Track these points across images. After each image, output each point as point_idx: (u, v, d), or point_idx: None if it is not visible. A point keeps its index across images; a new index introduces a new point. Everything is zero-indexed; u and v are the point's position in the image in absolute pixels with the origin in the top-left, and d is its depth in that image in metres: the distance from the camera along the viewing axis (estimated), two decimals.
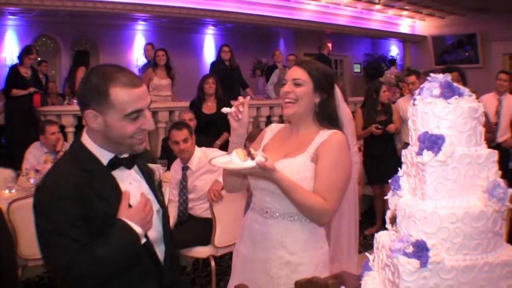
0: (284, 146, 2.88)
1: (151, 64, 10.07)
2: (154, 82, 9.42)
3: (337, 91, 2.93)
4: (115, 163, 2.27)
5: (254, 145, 3.06)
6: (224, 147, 6.68)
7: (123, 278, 2.22)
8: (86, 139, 2.27)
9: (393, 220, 1.87)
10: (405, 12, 18.01)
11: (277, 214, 2.79)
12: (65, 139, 7.69)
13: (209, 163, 2.59)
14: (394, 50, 20.37)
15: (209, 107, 7.81)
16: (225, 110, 2.70)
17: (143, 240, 2.23)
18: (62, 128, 8.04)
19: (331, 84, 2.88)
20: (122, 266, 2.18)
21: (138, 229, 2.18)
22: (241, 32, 15.89)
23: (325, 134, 2.79)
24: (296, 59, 11.26)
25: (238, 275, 2.95)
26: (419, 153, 1.76)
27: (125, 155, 2.31)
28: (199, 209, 5.39)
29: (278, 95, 10.84)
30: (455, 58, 18.63)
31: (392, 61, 16.31)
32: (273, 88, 11.21)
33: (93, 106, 2.15)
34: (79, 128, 8.34)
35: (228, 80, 9.43)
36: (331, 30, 16.92)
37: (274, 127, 3.10)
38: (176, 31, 14.88)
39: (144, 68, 10.72)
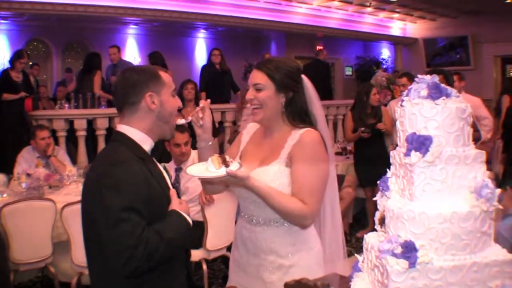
0: (259, 152, 2.85)
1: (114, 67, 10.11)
2: None
3: (307, 86, 2.86)
4: (153, 152, 2.58)
5: (232, 149, 3.06)
6: None
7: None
8: (127, 129, 2.49)
9: (382, 221, 1.88)
10: (396, 15, 18.06)
11: (262, 221, 2.78)
12: (57, 143, 7.70)
13: (184, 172, 2.68)
14: (385, 52, 20.40)
15: (188, 112, 7.72)
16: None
17: None
18: (53, 132, 8.05)
19: (296, 80, 2.79)
20: (181, 248, 2.57)
21: (189, 219, 2.52)
22: (233, 36, 15.87)
23: (297, 134, 2.74)
24: None
25: (234, 280, 2.96)
26: (407, 154, 1.76)
27: None
28: (191, 211, 5.30)
29: None
30: (446, 61, 18.69)
31: (378, 64, 16.33)
32: None
33: (151, 88, 2.48)
34: (70, 132, 8.35)
35: (218, 83, 9.44)
36: (322, 33, 16.93)
37: (251, 129, 3.04)
38: (167, 34, 14.85)
39: (107, 71, 10.49)
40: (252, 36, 16.77)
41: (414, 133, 1.78)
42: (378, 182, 2.01)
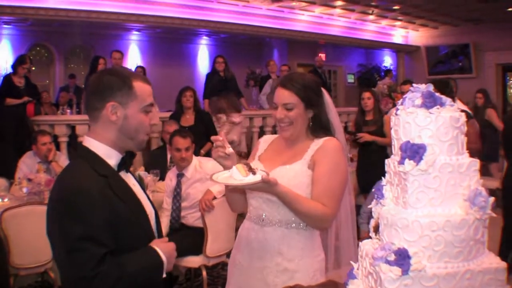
0: (280, 156, 2.92)
1: None
2: None
3: (326, 97, 2.96)
4: (121, 166, 2.35)
5: (250, 157, 3.12)
6: (208, 156, 6.72)
7: None
8: (91, 143, 2.30)
9: (377, 229, 1.89)
10: (398, 23, 18.14)
11: (274, 221, 2.82)
12: (58, 149, 7.74)
13: (210, 179, 2.61)
14: (387, 60, 20.47)
15: (187, 119, 7.76)
16: (227, 151, 2.66)
17: (164, 274, 2.33)
18: (55, 137, 8.10)
19: (319, 95, 2.91)
20: (145, 285, 2.27)
21: (163, 258, 2.30)
22: (235, 42, 15.94)
23: (320, 141, 2.85)
24: (289, 70, 11.24)
25: (234, 284, 2.98)
26: (401, 162, 1.78)
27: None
28: (191, 218, 5.40)
29: (272, 106, 10.91)
30: (448, 68, 18.76)
31: (387, 71, 16.33)
32: (266, 98, 11.22)
33: (117, 98, 2.25)
34: (72, 138, 8.38)
35: (222, 91, 9.45)
36: (324, 40, 17.05)
37: (268, 138, 3.15)
38: (170, 41, 14.93)
39: None
40: (255, 43, 16.83)
41: (408, 142, 1.80)
42: None
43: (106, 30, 13.45)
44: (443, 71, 18.89)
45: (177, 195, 5.43)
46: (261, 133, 10.39)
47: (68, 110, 9.00)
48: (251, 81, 14.22)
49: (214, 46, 16.57)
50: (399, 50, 19.88)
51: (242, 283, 2.91)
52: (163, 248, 2.32)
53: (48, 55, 14.05)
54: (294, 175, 2.77)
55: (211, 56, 16.72)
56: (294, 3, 14.40)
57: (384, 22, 17.92)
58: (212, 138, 2.70)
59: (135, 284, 2.19)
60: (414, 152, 1.73)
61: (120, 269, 2.13)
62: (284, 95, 2.83)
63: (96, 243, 2.09)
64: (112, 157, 2.31)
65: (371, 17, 16.75)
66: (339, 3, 14.65)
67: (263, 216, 2.85)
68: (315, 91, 2.88)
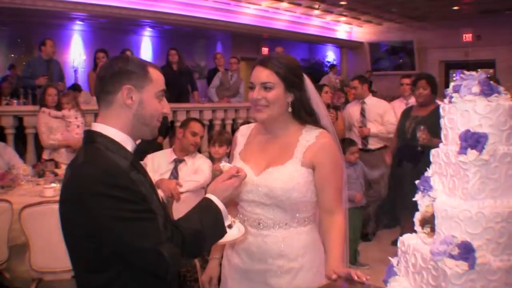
0: (265, 153, 2.76)
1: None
2: None
3: (307, 82, 2.76)
4: (137, 151, 2.29)
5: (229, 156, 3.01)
6: None
7: None
8: (105, 129, 2.21)
9: (425, 222, 1.83)
10: (343, 18, 18.33)
11: (271, 224, 2.70)
12: (4, 140, 7.48)
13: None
14: (330, 55, 20.69)
15: None
16: (224, 165, 2.50)
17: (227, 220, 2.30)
18: (1, 129, 7.87)
19: (301, 78, 2.71)
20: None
21: (217, 202, 2.26)
22: (179, 35, 15.74)
23: (311, 136, 2.70)
24: (237, 62, 11.22)
25: (232, 287, 2.85)
26: (462, 152, 1.72)
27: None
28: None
29: (221, 98, 10.86)
30: (390, 64, 19.13)
31: (332, 66, 16.49)
32: (215, 91, 11.15)
33: (132, 81, 2.20)
34: (19, 129, 8.07)
35: (175, 84, 9.31)
36: (268, 34, 17.03)
37: (245, 130, 2.96)
38: (113, 32, 14.59)
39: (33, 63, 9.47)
40: (199, 36, 16.66)
41: (468, 131, 1.74)
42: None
43: (48, 19, 12.98)
44: (385, 67, 19.30)
45: (173, 179, 5.31)
46: (211, 126, 10.26)
47: (15, 101, 8.63)
48: (196, 74, 14.14)
49: (157, 38, 16.34)
50: (342, 45, 20.10)
51: (243, 286, 2.79)
52: (213, 191, 2.29)
53: None
54: (288, 177, 2.62)
55: (154, 48, 16.49)
56: None
57: (329, 17, 18.08)
58: None
59: (202, 241, 2.18)
60: (476, 141, 1.68)
61: (181, 230, 2.10)
62: (263, 74, 2.64)
63: (153, 212, 2.07)
64: (128, 144, 2.24)
65: (316, 12, 16.84)
66: None
67: (259, 220, 2.72)
68: (297, 73, 2.68)
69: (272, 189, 2.63)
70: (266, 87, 2.63)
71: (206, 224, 2.18)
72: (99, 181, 2.02)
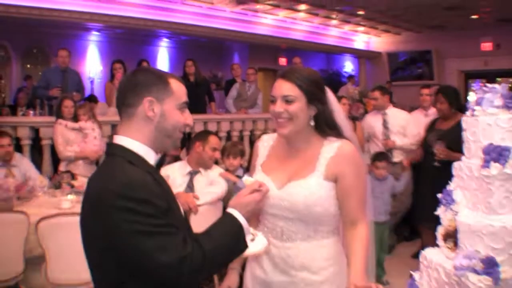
0: (286, 166, 2.77)
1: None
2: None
3: (329, 95, 2.78)
4: (159, 164, 2.32)
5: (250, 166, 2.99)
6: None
7: None
8: (127, 141, 2.23)
9: (447, 236, 1.82)
10: (361, 28, 18.31)
11: (294, 237, 2.71)
12: (20, 151, 7.57)
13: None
14: (348, 65, 20.65)
15: None
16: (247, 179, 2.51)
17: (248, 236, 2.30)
18: (17, 140, 7.86)
19: (323, 91, 2.72)
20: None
21: (239, 218, 2.27)
22: (196, 45, 15.79)
23: (332, 147, 2.70)
24: (254, 73, 11.25)
25: None
26: (485, 165, 1.72)
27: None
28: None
29: (238, 110, 10.88)
30: (409, 74, 19.07)
31: (350, 77, 16.45)
32: (233, 102, 11.17)
33: (153, 93, 2.22)
34: (36, 141, 8.12)
35: (191, 96, 9.30)
36: (286, 44, 17.02)
37: (267, 141, 2.97)
38: (129, 42, 14.69)
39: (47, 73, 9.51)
40: (215, 46, 16.73)
41: (491, 144, 1.73)
42: None
43: (64, 30, 13.12)
44: (404, 76, 19.22)
45: (189, 192, 5.31)
46: (228, 138, 10.27)
47: (31, 112, 8.71)
48: (213, 84, 14.17)
49: (174, 49, 16.43)
50: (360, 55, 20.08)
51: None
52: (235, 206, 2.30)
53: (4, 55, 13.65)
54: (311, 191, 2.62)
55: (171, 59, 16.59)
56: (258, 6, 14.37)
57: (347, 27, 18.05)
58: None
59: (223, 257, 2.21)
60: (499, 154, 1.67)
61: (202, 246, 2.10)
62: (285, 87, 2.65)
63: (173, 227, 2.08)
64: (150, 157, 2.26)
65: (334, 22, 16.85)
66: (303, 7, 14.68)
67: (282, 232, 2.74)
68: (319, 86, 2.69)
69: (294, 203, 2.64)
70: (287, 100, 2.64)
71: (227, 240, 2.19)
72: (119, 194, 2.03)
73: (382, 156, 6.58)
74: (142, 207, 2.02)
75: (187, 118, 2.33)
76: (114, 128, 8.29)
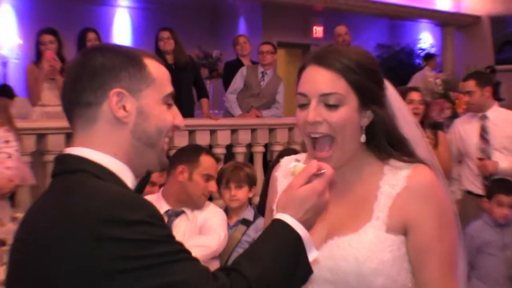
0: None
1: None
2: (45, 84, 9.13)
3: (390, 90, 2.77)
4: (138, 191, 2.37)
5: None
6: None
7: None
8: (90, 153, 2.26)
9: None
10: None
11: None
12: None
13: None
14: (426, 39, 20.71)
15: None
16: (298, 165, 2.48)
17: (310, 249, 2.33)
18: None
19: (381, 84, 2.69)
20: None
21: (295, 227, 2.28)
22: (176, 5, 15.89)
23: (398, 177, 2.67)
24: (272, 51, 11.15)
25: None
26: None
27: None
28: None
29: (246, 110, 10.79)
30: None
31: (429, 57, 16.45)
32: (237, 98, 11.07)
33: (123, 82, 2.26)
34: None
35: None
36: (323, 5, 17.06)
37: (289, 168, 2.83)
38: (65, 1, 14.92)
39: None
40: (209, 7, 16.81)
41: None
42: None
43: None
44: None
45: None
46: (228, 157, 10.20)
47: None
48: (205, 69, 14.13)
49: (141, 10, 16.60)
50: (445, 22, 20.07)
51: None
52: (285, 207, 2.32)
53: None
54: (367, 254, 2.60)
55: (135, 27, 16.72)
56: None
57: None
58: None
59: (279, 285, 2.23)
60: None
61: (245, 275, 2.13)
62: (324, 79, 2.58)
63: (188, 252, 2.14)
64: (125, 176, 2.30)
65: None
66: None
67: None
68: (376, 77, 2.66)
69: (340, 273, 2.63)
70: (329, 104, 2.56)
71: (281, 262, 2.20)
72: (105, 217, 2.03)
73: (508, 186, 6.45)
74: (143, 230, 2.04)
75: (176, 116, 2.40)
76: (41, 141, 8.30)
